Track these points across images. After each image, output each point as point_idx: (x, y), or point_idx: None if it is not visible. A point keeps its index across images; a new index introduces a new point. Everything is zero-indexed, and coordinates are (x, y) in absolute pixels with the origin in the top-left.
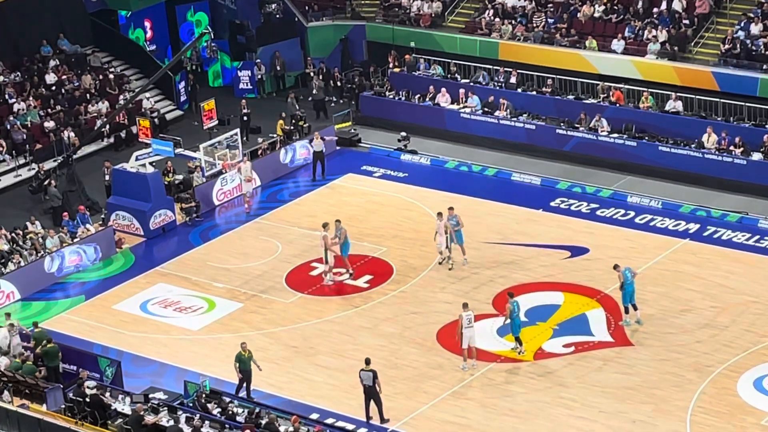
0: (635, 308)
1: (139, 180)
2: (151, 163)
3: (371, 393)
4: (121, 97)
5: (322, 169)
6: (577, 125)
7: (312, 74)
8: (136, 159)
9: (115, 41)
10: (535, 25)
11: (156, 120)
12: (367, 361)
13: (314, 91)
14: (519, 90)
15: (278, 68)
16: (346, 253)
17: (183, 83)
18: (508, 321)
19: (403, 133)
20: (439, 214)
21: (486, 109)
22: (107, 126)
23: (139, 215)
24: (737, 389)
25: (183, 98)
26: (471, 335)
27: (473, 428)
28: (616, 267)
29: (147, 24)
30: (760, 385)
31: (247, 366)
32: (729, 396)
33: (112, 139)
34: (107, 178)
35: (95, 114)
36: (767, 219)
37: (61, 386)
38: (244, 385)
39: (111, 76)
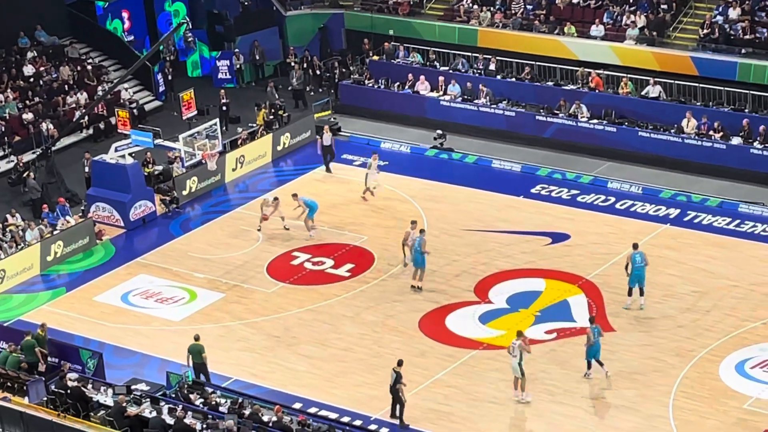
0: (641, 293)
1: (118, 171)
2: (130, 154)
3: (392, 394)
4: (100, 88)
5: (326, 164)
6: (556, 111)
7: (293, 63)
8: (116, 150)
9: (92, 32)
10: (513, 11)
11: (135, 111)
12: (399, 363)
13: (294, 81)
14: (498, 77)
15: (257, 58)
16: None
17: (160, 74)
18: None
19: (439, 131)
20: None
21: (466, 97)
22: (86, 117)
23: (119, 206)
24: (719, 373)
25: (162, 89)
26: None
27: (456, 415)
28: (635, 246)
29: (125, 14)
30: (741, 369)
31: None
32: (711, 380)
33: (91, 131)
34: (88, 169)
35: (74, 105)
36: (747, 203)
37: (43, 379)
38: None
39: (89, 67)
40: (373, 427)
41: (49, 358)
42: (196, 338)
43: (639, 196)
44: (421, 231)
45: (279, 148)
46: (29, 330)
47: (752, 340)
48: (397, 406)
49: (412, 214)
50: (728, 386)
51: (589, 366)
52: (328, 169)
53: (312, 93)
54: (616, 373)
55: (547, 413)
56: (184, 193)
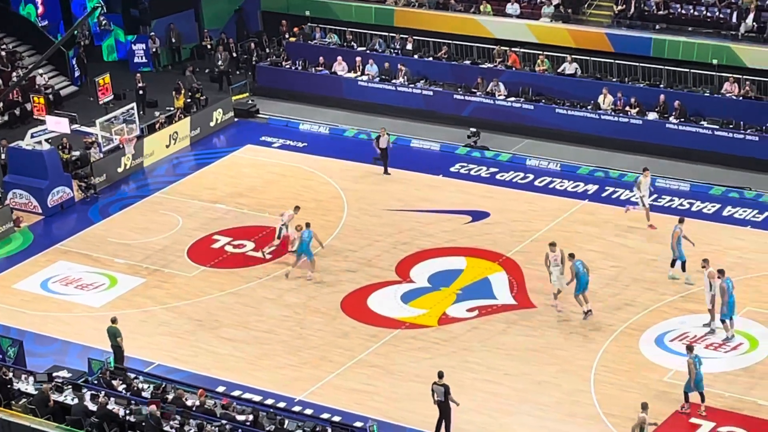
0: (683, 266)
1: (35, 157)
2: (47, 140)
3: (442, 408)
4: (14, 74)
5: (385, 166)
6: (474, 90)
7: (209, 46)
8: (32, 136)
9: (6, 17)
10: None
11: (50, 96)
12: (440, 375)
13: (219, 63)
14: (415, 56)
15: (173, 41)
16: (579, 290)
17: (75, 59)
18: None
19: (473, 129)
20: (552, 245)
21: (383, 77)
22: (1, 104)
23: (36, 193)
24: (639, 347)
25: (77, 74)
26: None
27: (380, 395)
28: (681, 220)
29: None
30: (661, 343)
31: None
32: (632, 354)
33: (6, 117)
34: (4, 156)
35: None
36: (664, 178)
37: None
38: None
39: (3, 53)
40: (297, 408)
41: None
42: (113, 320)
43: (557, 172)
44: (571, 255)
45: (197, 131)
46: None
47: (671, 314)
48: (443, 422)
49: (332, 195)
50: (648, 359)
51: (687, 399)
52: (386, 171)
53: (230, 76)
54: (537, 349)
55: (470, 390)
56: (102, 178)
